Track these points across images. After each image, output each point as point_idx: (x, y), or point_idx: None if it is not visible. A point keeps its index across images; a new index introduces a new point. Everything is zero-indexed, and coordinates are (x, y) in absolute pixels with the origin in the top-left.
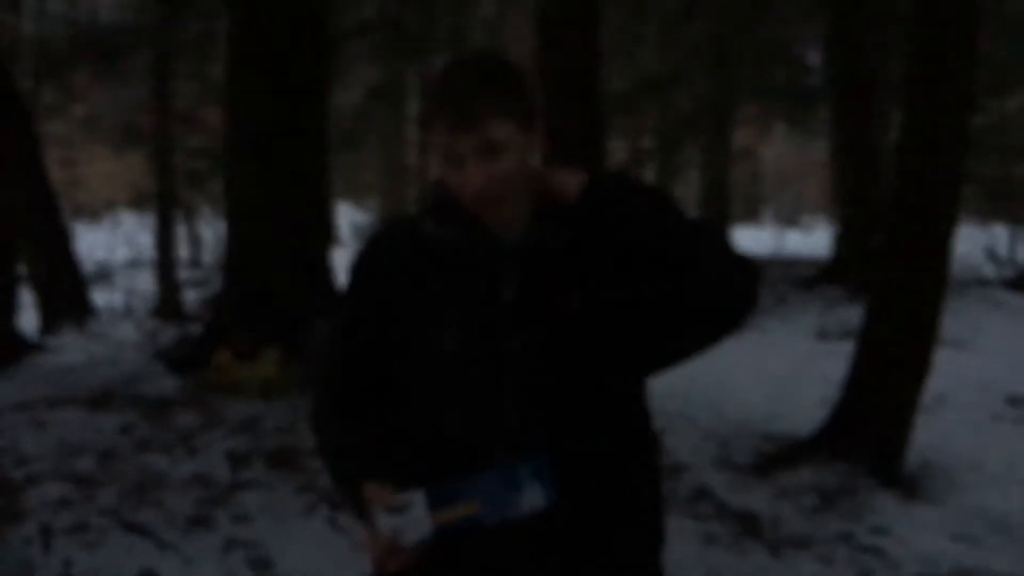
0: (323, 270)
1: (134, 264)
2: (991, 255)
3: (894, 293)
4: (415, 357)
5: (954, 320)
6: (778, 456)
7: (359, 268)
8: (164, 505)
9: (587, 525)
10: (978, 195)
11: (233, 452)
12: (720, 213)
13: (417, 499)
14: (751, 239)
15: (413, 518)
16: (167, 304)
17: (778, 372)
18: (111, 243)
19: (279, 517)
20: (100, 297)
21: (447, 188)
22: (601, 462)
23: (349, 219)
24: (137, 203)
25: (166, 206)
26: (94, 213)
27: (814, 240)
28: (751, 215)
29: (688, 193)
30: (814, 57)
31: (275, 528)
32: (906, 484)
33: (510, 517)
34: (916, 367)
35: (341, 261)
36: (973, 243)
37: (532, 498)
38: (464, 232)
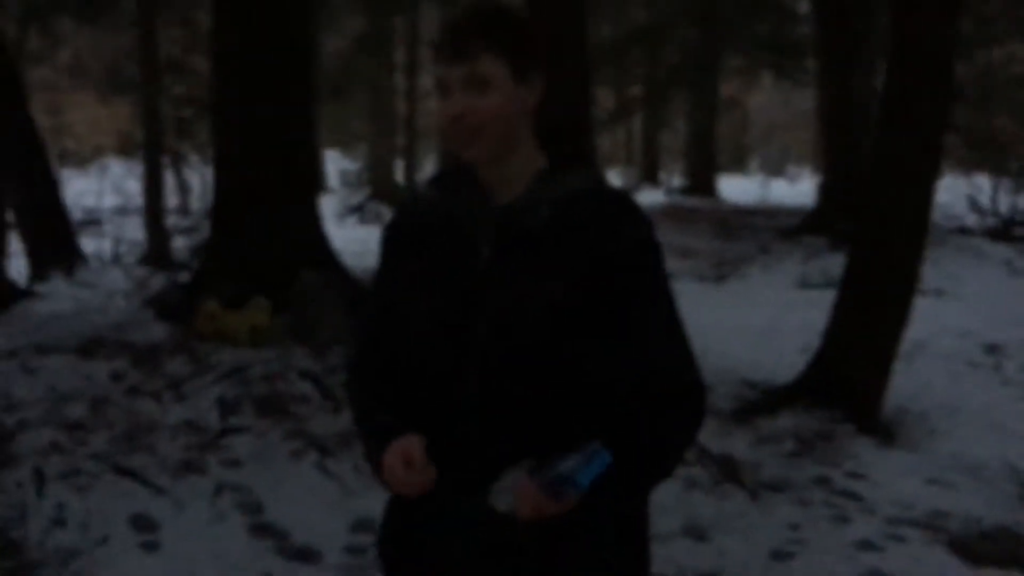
0: (310, 218)
1: (122, 211)
2: (974, 205)
3: (876, 242)
4: (401, 321)
5: (934, 269)
6: (759, 403)
7: (383, 243)
8: (155, 450)
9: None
10: (962, 145)
11: (223, 398)
12: (707, 162)
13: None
14: (737, 189)
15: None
16: (156, 251)
17: (760, 320)
18: (99, 190)
19: (268, 462)
20: (89, 244)
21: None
22: (551, 443)
23: (337, 167)
24: (124, 150)
25: (154, 153)
26: (82, 160)
27: (799, 190)
28: (737, 165)
29: (675, 142)
30: (802, 7)
31: (265, 473)
32: (883, 430)
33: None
34: (896, 316)
35: (329, 209)
36: (956, 193)
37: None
38: (459, 196)
